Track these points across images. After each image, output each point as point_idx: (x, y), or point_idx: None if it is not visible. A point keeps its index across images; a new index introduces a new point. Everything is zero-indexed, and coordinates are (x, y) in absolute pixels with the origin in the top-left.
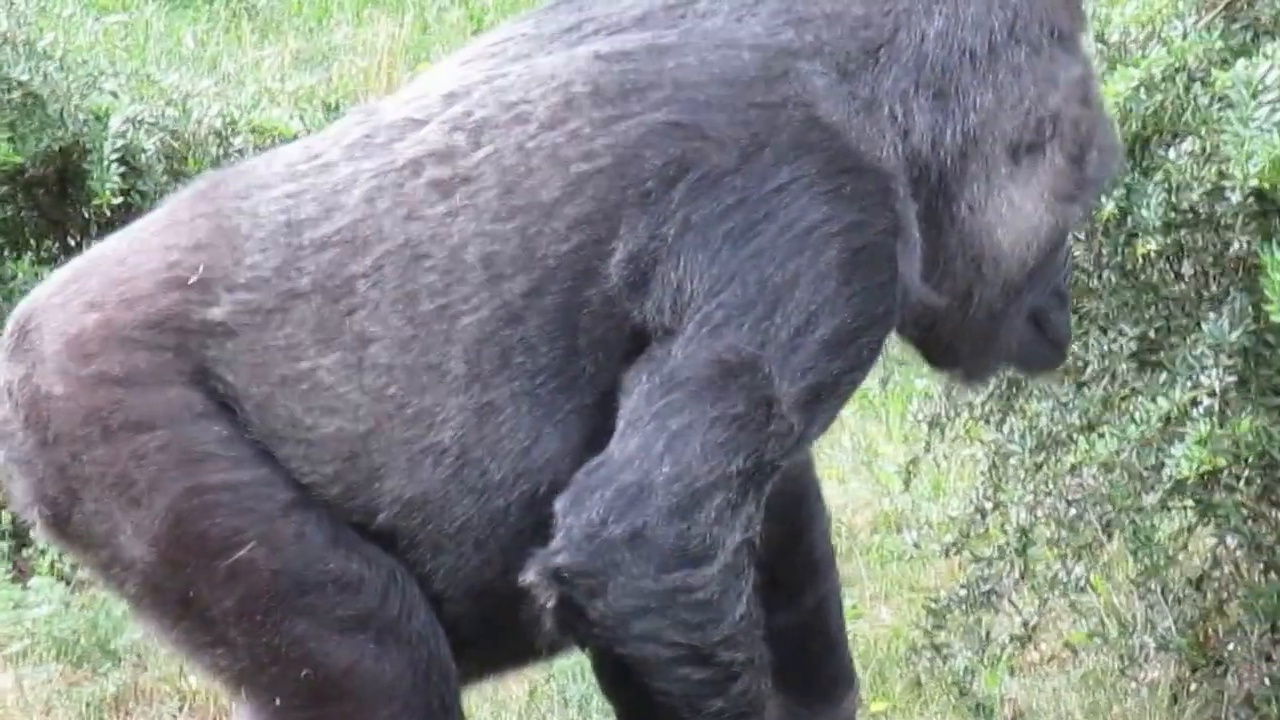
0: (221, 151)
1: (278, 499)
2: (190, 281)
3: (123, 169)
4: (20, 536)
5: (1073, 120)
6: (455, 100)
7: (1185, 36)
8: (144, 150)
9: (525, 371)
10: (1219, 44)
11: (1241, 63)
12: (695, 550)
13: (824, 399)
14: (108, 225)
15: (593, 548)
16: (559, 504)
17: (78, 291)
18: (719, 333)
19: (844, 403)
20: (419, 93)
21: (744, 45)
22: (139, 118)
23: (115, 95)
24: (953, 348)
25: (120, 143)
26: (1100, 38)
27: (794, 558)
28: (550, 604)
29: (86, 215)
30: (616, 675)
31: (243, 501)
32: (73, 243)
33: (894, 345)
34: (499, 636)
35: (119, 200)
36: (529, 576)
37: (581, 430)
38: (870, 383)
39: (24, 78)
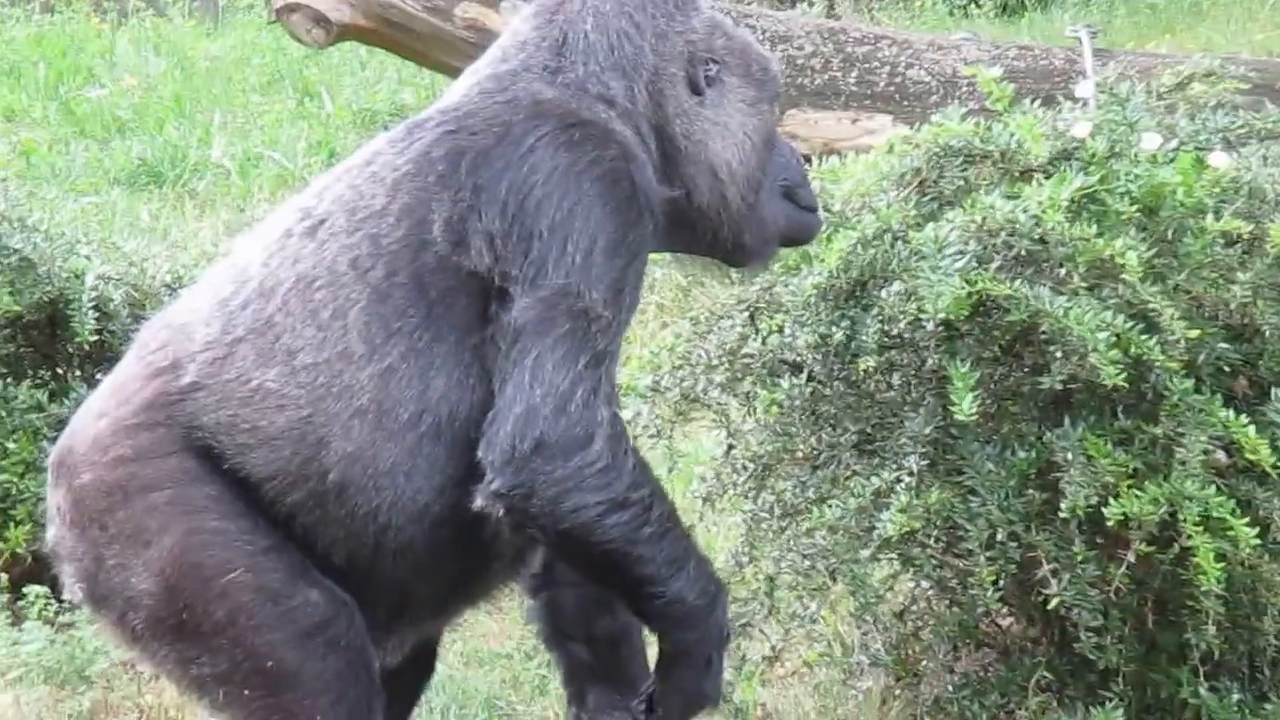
0: (172, 300)
1: (259, 543)
2: (164, 366)
3: (97, 315)
4: (15, 590)
5: (726, 49)
6: (304, 197)
7: (889, 206)
8: (112, 300)
9: (404, 334)
10: (914, 211)
11: (930, 225)
12: (581, 435)
13: (622, 289)
14: (87, 358)
15: (513, 467)
16: (479, 451)
17: (89, 412)
18: (535, 283)
19: (639, 287)
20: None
21: (481, 80)
22: (108, 275)
23: (89, 259)
24: (738, 243)
25: (94, 294)
26: (827, 208)
27: None
28: (501, 515)
29: (70, 350)
30: (555, 614)
31: (232, 541)
32: (61, 371)
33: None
34: (444, 552)
35: (95, 338)
36: (478, 503)
37: (457, 364)
38: (661, 470)
39: (19, 246)
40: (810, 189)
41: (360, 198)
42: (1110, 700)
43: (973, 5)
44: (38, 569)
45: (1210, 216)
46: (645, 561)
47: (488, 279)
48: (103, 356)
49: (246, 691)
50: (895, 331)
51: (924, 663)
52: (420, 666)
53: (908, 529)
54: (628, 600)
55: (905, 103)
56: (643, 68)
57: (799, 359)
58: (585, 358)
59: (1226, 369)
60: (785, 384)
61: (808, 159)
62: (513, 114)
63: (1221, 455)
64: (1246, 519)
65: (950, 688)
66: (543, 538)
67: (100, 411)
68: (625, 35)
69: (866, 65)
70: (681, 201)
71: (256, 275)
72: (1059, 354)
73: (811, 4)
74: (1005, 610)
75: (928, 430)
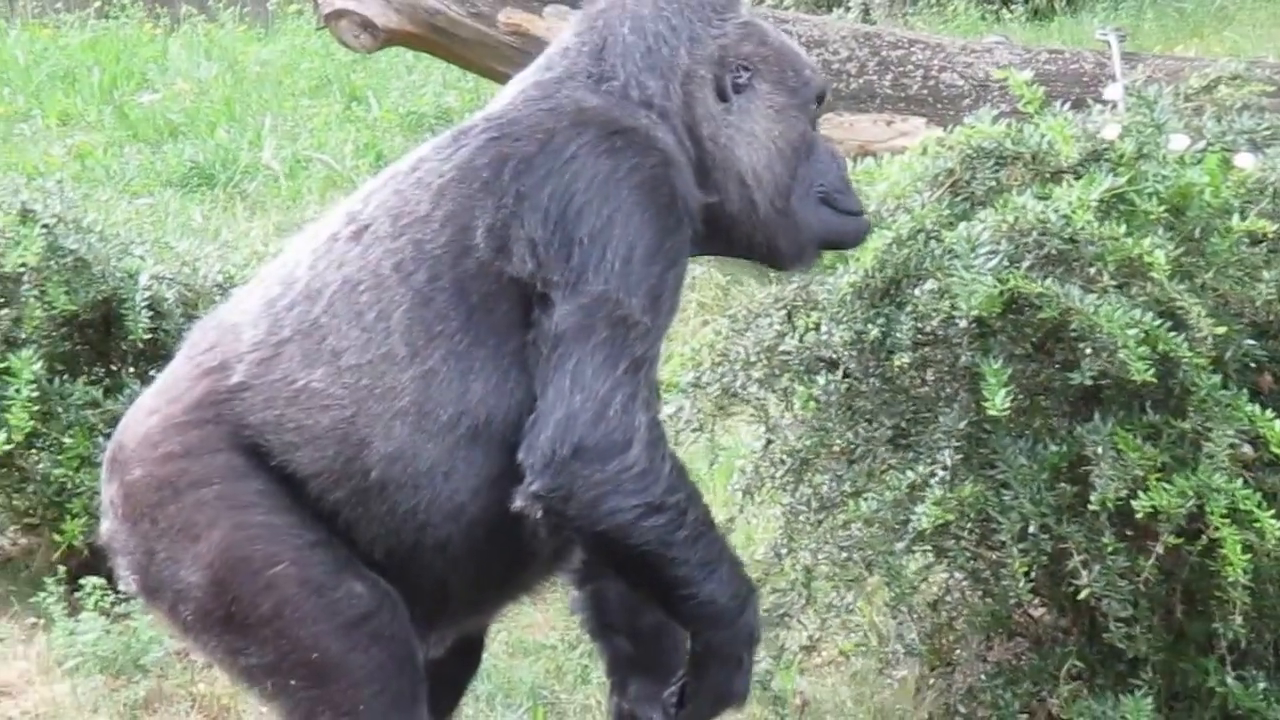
0: (223, 299)
1: (305, 537)
2: (213, 366)
3: (150, 314)
4: (72, 581)
5: (759, 56)
6: (351, 202)
7: (923, 206)
8: (165, 299)
9: (445, 337)
10: (946, 212)
11: (963, 225)
12: (619, 439)
13: (661, 295)
14: (140, 356)
15: (552, 470)
16: (519, 454)
17: (141, 408)
18: (576, 290)
19: (678, 292)
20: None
21: (526, 87)
22: (161, 275)
23: (143, 259)
24: (772, 247)
25: (147, 294)
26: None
27: None
28: (539, 517)
29: (124, 348)
30: (600, 606)
31: (278, 535)
32: (115, 369)
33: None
34: (482, 550)
35: (148, 337)
36: (517, 503)
37: (496, 368)
38: (702, 464)
39: (74, 247)
40: (851, 194)
41: (405, 203)
42: (1139, 688)
43: (1004, 9)
44: (94, 561)
45: (1236, 216)
46: (679, 564)
47: (529, 285)
48: (156, 354)
49: (293, 682)
50: (929, 329)
51: (957, 652)
52: (466, 657)
53: (942, 521)
54: (661, 601)
55: (939, 105)
56: (677, 69)
57: (835, 356)
58: (624, 364)
59: (1252, 365)
60: (822, 380)
61: None
62: (556, 121)
63: (1248, 449)
64: (1272, 511)
65: (983, 676)
66: (579, 539)
67: (151, 409)
68: (661, 38)
69: (901, 69)
70: (717, 207)
71: (304, 278)
72: (1089, 350)
73: (848, 9)
74: (1037, 601)
75: (961, 425)
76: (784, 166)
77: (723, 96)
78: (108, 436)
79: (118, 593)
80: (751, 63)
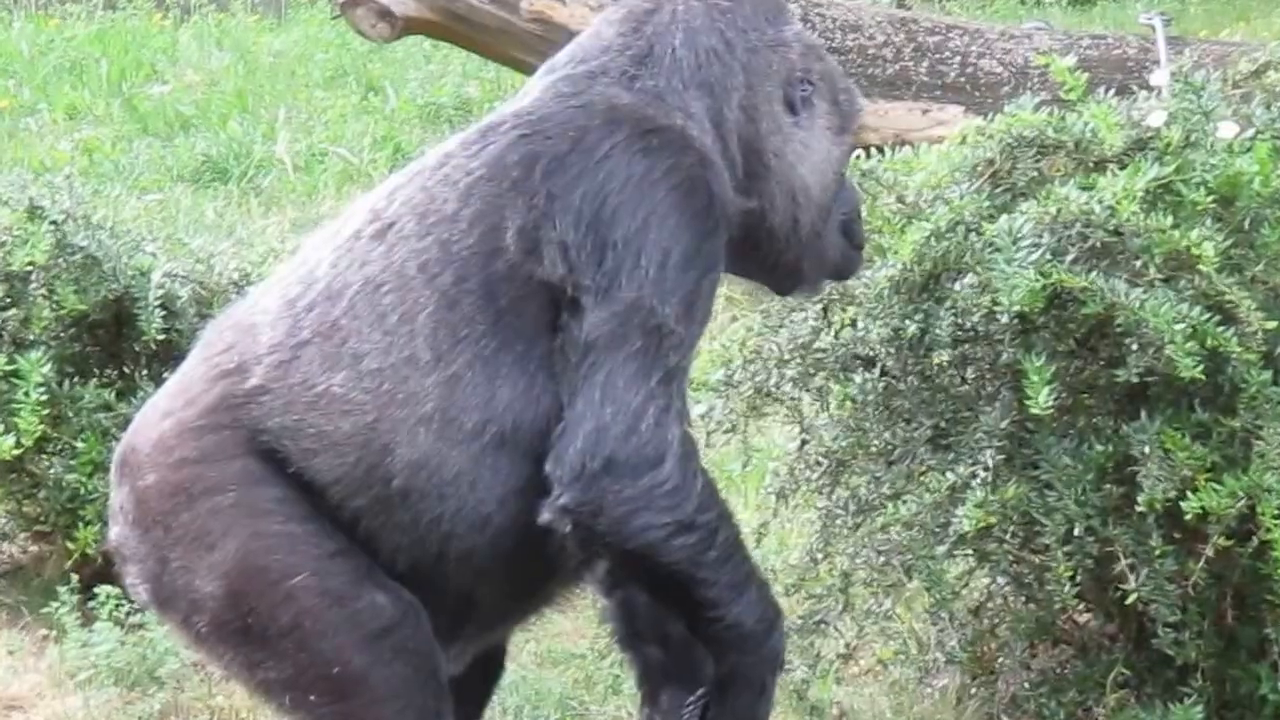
0: (239, 298)
1: (325, 546)
2: (230, 368)
3: (163, 313)
4: (86, 590)
5: (819, 73)
6: (374, 198)
7: (962, 198)
8: (179, 298)
9: (471, 340)
10: (986, 203)
11: (1004, 217)
12: (651, 454)
13: (695, 303)
14: (154, 357)
15: (582, 484)
16: (547, 466)
17: (154, 411)
18: (608, 295)
19: (712, 299)
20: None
21: (557, 82)
22: (174, 273)
23: (155, 256)
24: (795, 268)
25: (160, 292)
26: (900, 199)
27: None
28: (567, 531)
29: (137, 349)
30: (629, 615)
31: (297, 545)
32: (128, 370)
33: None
34: (507, 561)
35: (162, 337)
36: (544, 517)
37: (523, 373)
38: (735, 465)
39: (84, 244)
40: (862, 225)
41: (431, 201)
42: (1189, 696)
43: None
44: (108, 569)
45: None
46: (708, 585)
47: (559, 288)
48: (170, 355)
49: (312, 697)
50: (969, 325)
51: (1000, 660)
52: (489, 669)
53: (983, 524)
54: (688, 620)
55: (977, 93)
56: (731, 86)
57: (872, 353)
58: (657, 375)
59: None
60: (858, 378)
61: (879, 150)
62: (588, 119)
63: None
64: None
65: (1027, 685)
66: (607, 555)
67: (165, 411)
68: (714, 53)
69: (938, 55)
70: (755, 217)
71: (324, 277)
72: (1135, 346)
73: None
74: (1082, 606)
75: (1003, 424)
76: (832, 189)
77: (792, 110)
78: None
79: (132, 602)
80: (813, 79)
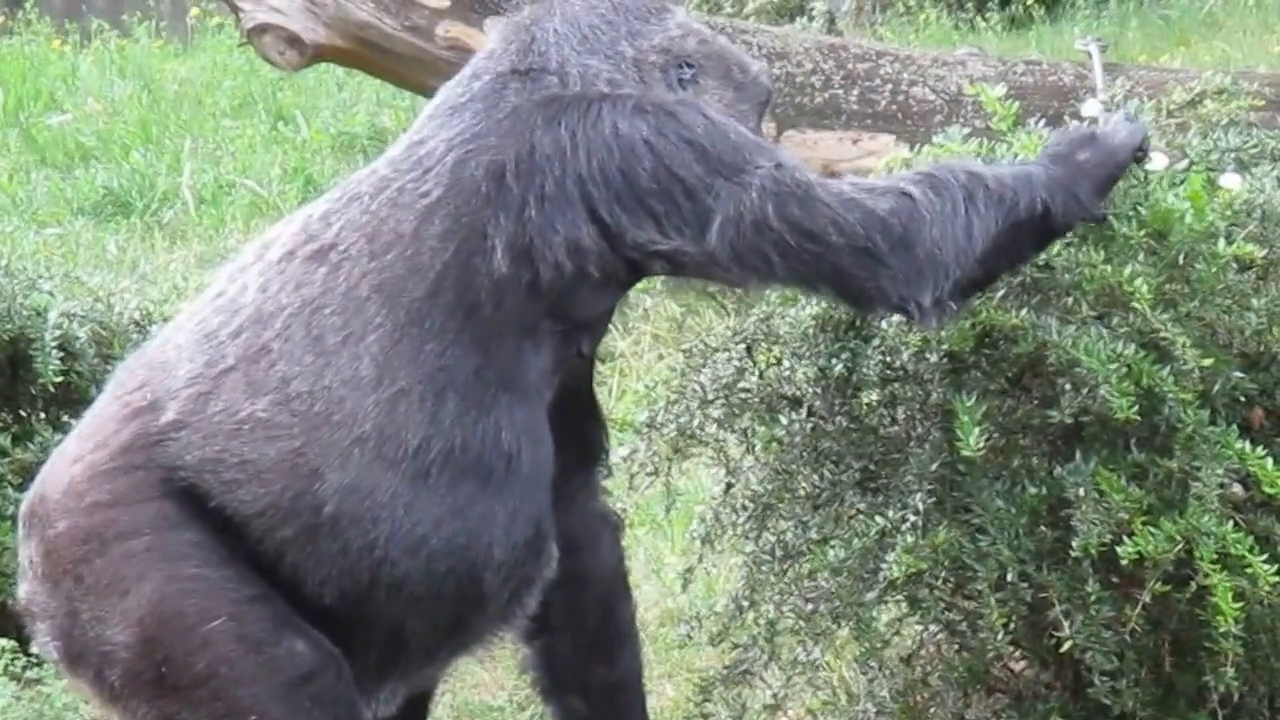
0: (141, 338)
1: (242, 591)
2: (143, 406)
3: (61, 354)
4: None
5: (701, 53)
6: (298, 223)
7: None
8: (78, 338)
9: (433, 355)
10: None
11: None
12: (914, 229)
13: (764, 144)
14: (52, 400)
15: (930, 290)
16: (880, 317)
17: (62, 457)
18: (713, 215)
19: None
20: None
21: (471, 99)
22: (72, 312)
23: (52, 294)
24: None
25: (58, 333)
26: None
27: (608, 628)
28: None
29: (34, 392)
30: (550, 663)
31: (214, 589)
32: (24, 414)
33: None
34: (439, 589)
35: (60, 379)
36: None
37: (479, 384)
38: (658, 509)
39: None
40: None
41: (382, 223)
42: None
43: (979, 18)
44: (3, 622)
45: (1222, 241)
46: (1013, 225)
47: (567, 285)
48: (68, 398)
49: None
50: (898, 364)
51: (933, 710)
52: (416, 718)
53: (914, 570)
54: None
55: (909, 122)
56: (622, 56)
57: (798, 393)
58: (848, 189)
59: (1242, 399)
60: (784, 419)
61: None
62: (529, 119)
63: (1238, 489)
64: (1265, 555)
65: None
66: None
67: (75, 456)
68: (596, 29)
69: (868, 83)
70: None
71: (252, 302)
72: (1068, 386)
73: (811, 19)
74: (1017, 654)
75: (933, 467)
76: None
77: (671, 88)
78: (16, 488)
79: (29, 656)
80: (695, 60)
